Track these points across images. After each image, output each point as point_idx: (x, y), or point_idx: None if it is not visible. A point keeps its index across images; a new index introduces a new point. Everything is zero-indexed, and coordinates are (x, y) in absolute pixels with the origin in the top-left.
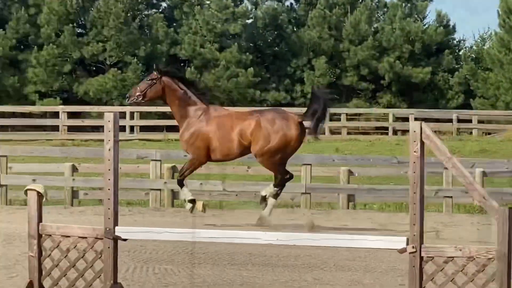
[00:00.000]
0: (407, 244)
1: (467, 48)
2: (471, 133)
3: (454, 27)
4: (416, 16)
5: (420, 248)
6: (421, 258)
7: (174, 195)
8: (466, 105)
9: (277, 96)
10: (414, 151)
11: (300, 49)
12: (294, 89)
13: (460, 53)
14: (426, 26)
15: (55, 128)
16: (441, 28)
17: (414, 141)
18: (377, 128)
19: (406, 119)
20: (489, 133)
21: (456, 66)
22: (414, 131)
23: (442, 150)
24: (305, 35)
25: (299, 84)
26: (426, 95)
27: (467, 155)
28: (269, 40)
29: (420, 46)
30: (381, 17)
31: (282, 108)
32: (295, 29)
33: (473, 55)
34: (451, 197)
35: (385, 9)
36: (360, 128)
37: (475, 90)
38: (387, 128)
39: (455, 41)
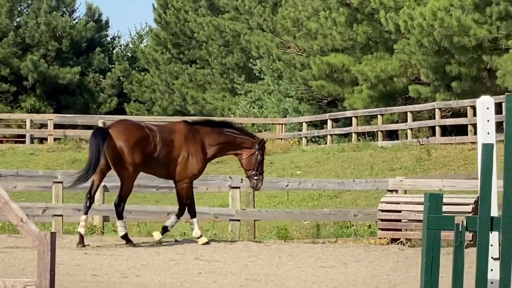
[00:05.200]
0: None
1: (122, 46)
2: None
3: (107, 22)
4: (64, 9)
5: None
6: None
7: None
8: (120, 110)
9: None
10: None
11: None
12: None
13: (114, 51)
14: (76, 21)
15: None
16: (92, 23)
17: None
18: (19, 135)
19: (46, 126)
20: None
21: (110, 66)
22: None
23: None
24: None
25: None
26: (75, 98)
27: None
28: None
29: (68, 43)
30: (25, 10)
31: None
32: None
33: (128, 53)
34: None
35: (29, 1)
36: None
37: (129, 93)
38: (24, 136)
39: (108, 38)
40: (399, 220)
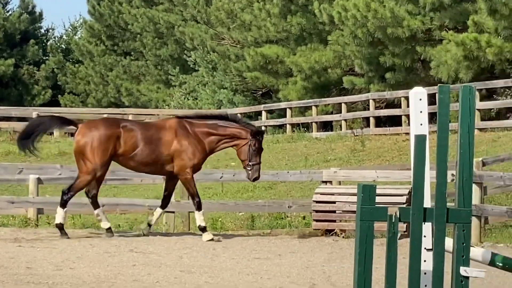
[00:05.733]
0: None
1: (56, 38)
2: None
3: (41, 14)
4: None
5: None
6: None
7: None
8: (54, 102)
9: None
10: None
11: None
12: None
13: (48, 43)
14: (9, 13)
15: None
16: (26, 15)
17: None
18: None
19: None
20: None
21: (44, 58)
22: None
23: None
24: None
25: None
26: (9, 90)
27: (45, 159)
28: None
29: (1, 36)
30: None
31: None
32: None
33: (63, 45)
34: None
35: None
36: None
37: (63, 85)
38: None
39: (42, 30)
40: (334, 211)
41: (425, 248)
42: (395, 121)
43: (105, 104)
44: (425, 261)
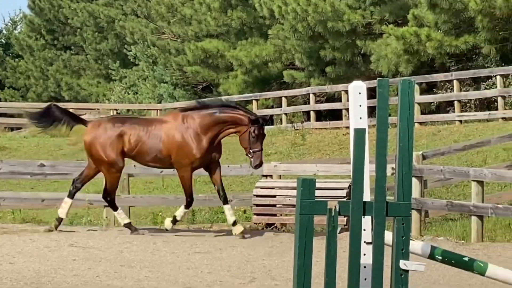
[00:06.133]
0: None
1: None
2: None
3: None
4: None
5: None
6: None
7: None
8: None
9: None
10: None
11: None
12: None
13: None
14: None
15: None
16: None
17: None
18: None
19: None
20: (18, 128)
21: None
22: None
23: None
24: None
25: None
26: None
27: None
28: None
29: None
30: None
31: None
32: None
33: (3, 40)
34: None
35: None
36: None
37: (3, 79)
38: None
39: None
40: (274, 205)
41: (364, 242)
42: (335, 115)
43: (45, 99)
44: (364, 254)
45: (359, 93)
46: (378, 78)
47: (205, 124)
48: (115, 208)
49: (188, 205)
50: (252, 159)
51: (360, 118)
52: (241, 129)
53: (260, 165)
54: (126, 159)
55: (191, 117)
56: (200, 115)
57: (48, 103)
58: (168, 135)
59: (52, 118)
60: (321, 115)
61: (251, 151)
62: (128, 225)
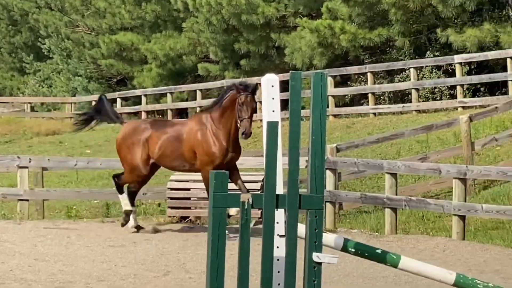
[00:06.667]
0: None
1: None
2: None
3: None
4: None
5: None
6: None
7: None
8: None
9: None
10: None
11: None
12: None
13: None
14: None
15: None
16: None
17: None
18: None
19: None
20: None
21: None
22: None
23: None
24: None
25: None
26: None
27: None
28: None
29: None
30: None
31: None
32: None
33: None
34: None
35: None
36: None
37: None
38: None
39: None
40: (188, 198)
41: (278, 235)
42: None
43: None
44: (278, 247)
45: (272, 86)
46: (291, 71)
47: (217, 118)
48: (120, 192)
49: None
50: (240, 128)
51: (273, 111)
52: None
53: (246, 134)
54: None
55: (207, 115)
56: (214, 110)
57: (100, 95)
58: (189, 137)
59: (102, 112)
60: None
61: (239, 120)
62: (127, 212)
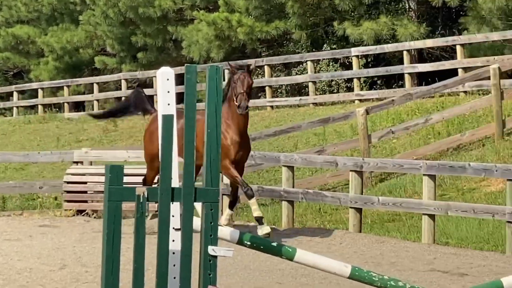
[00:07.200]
0: None
1: None
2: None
3: None
4: None
5: None
6: None
7: None
8: None
9: None
10: None
11: None
12: None
13: None
14: None
15: None
16: None
17: None
18: None
19: None
20: None
21: None
22: None
23: None
24: None
25: None
26: None
27: None
28: None
29: None
30: None
31: None
32: None
33: None
34: None
35: None
36: None
37: None
38: None
39: None
40: (85, 192)
41: (173, 228)
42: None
43: None
44: (173, 240)
45: (167, 79)
46: (186, 65)
47: (225, 110)
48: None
49: (249, 196)
50: (236, 103)
51: (168, 104)
52: None
53: (241, 107)
54: None
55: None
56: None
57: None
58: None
59: (138, 104)
60: None
61: (234, 97)
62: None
